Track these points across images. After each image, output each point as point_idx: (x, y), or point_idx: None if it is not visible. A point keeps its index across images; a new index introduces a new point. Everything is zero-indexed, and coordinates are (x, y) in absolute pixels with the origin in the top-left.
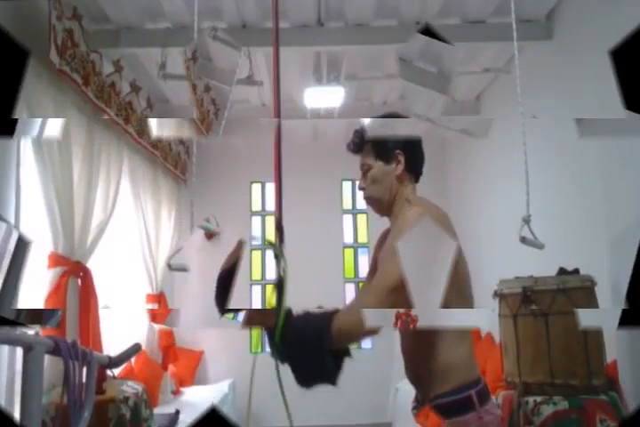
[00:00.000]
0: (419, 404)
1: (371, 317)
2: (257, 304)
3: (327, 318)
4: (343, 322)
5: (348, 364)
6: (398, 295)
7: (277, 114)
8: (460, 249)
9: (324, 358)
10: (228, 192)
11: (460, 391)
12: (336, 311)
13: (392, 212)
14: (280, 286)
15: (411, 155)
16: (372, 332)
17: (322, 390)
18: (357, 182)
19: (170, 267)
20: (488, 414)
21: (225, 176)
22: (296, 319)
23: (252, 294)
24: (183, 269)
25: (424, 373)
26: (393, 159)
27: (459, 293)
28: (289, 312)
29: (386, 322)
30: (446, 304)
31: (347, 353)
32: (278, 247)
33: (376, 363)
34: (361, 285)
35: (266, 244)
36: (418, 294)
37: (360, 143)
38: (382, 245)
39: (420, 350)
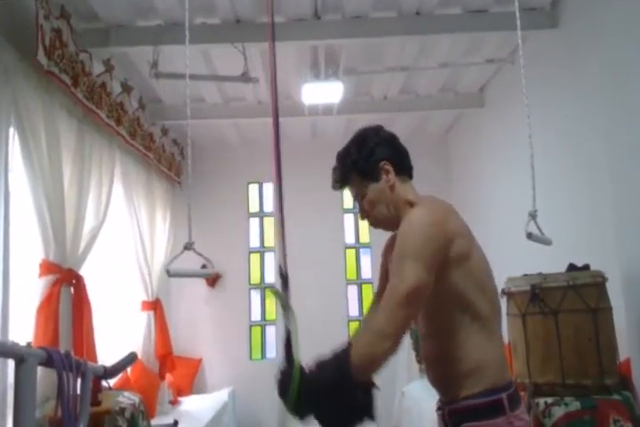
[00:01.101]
0: (444, 404)
1: (386, 339)
2: (256, 307)
3: (341, 358)
4: (361, 356)
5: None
6: (411, 307)
7: (275, 118)
8: (473, 240)
9: (355, 396)
10: (224, 193)
11: (490, 394)
12: (348, 347)
13: (401, 219)
14: (289, 342)
15: (395, 157)
16: (392, 352)
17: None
18: (357, 214)
19: (168, 273)
20: (519, 419)
21: (221, 177)
22: (310, 373)
23: (252, 297)
24: (182, 275)
25: (452, 374)
26: (381, 173)
27: (481, 288)
28: (301, 369)
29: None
30: (471, 302)
31: (373, 385)
32: (284, 297)
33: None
34: (363, 286)
35: (270, 292)
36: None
37: (343, 178)
38: (391, 252)
39: (448, 350)
